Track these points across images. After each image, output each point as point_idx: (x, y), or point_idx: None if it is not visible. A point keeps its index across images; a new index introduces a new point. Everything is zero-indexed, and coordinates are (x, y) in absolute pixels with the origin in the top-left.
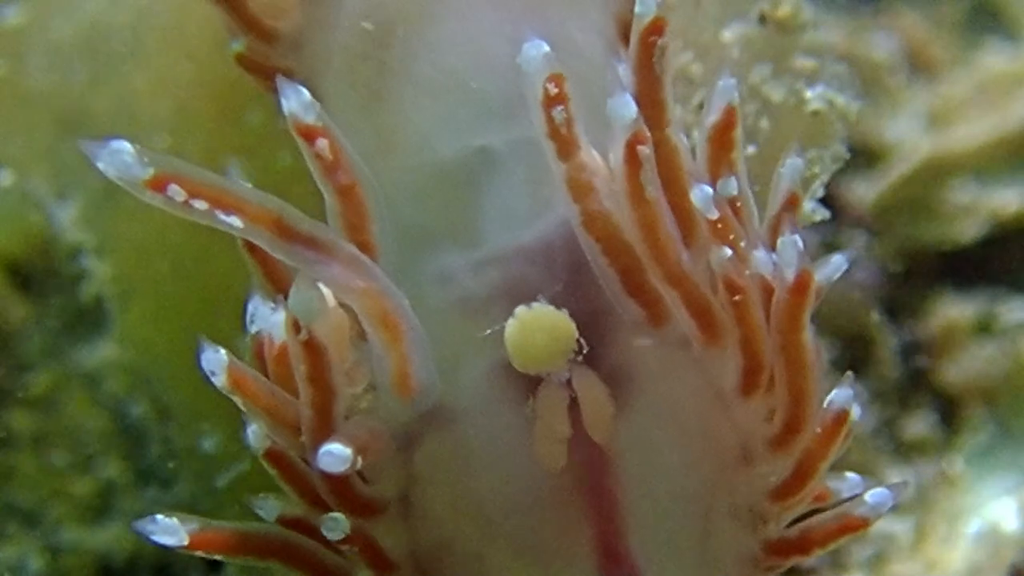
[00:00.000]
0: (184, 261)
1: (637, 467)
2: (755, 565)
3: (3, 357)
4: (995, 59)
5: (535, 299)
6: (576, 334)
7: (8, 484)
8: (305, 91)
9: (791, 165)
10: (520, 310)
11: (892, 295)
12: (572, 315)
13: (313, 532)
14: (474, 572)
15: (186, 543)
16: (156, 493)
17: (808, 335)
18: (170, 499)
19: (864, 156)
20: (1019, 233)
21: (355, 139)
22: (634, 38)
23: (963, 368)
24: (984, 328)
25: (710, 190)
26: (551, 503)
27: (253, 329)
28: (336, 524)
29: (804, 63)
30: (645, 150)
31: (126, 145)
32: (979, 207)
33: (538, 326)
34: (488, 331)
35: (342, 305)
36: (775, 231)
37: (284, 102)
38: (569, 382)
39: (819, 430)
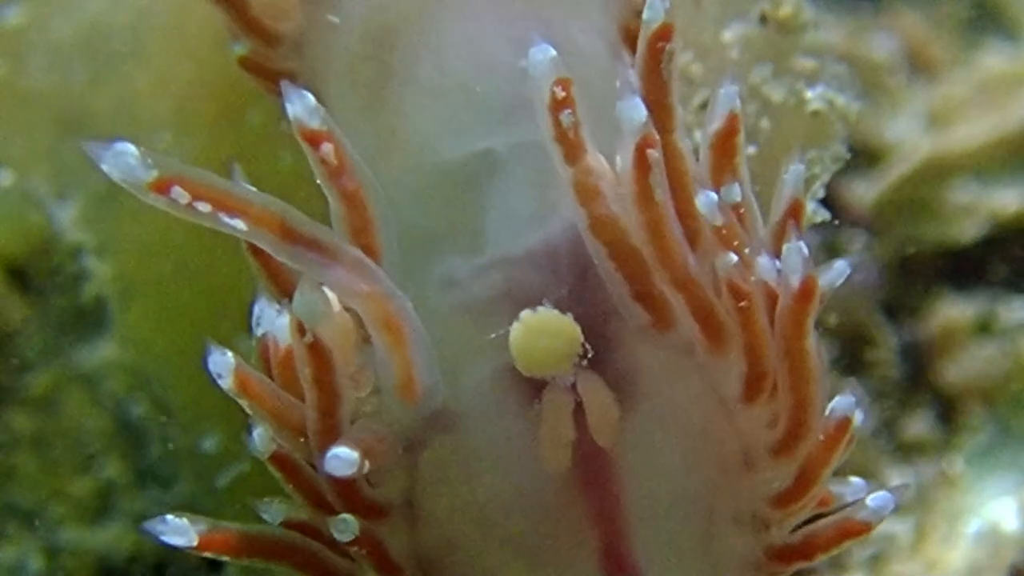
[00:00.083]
0: (185, 261)
1: (640, 471)
2: (758, 570)
3: (3, 357)
4: (995, 59)
5: (539, 303)
6: (581, 338)
7: (8, 484)
8: (310, 95)
9: (794, 171)
10: (525, 314)
11: (892, 295)
12: (577, 319)
13: (317, 536)
14: (477, 574)
15: (195, 544)
16: (156, 493)
17: (812, 341)
18: (170, 499)
19: (864, 156)
20: (1019, 233)
21: (357, 141)
22: (642, 43)
23: (963, 368)
24: (984, 328)
25: (715, 196)
26: (554, 506)
27: (259, 332)
28: (347, 526)
29: (804, 63)
30: (654, 154)
31: (130, 147)
32: (979, 207)
33: (543, 330)
34: (493, 335)
35: (347, 309)
36: (778, 237)
37: (289, 107)
38: (574, 386)
39: (822, 437)
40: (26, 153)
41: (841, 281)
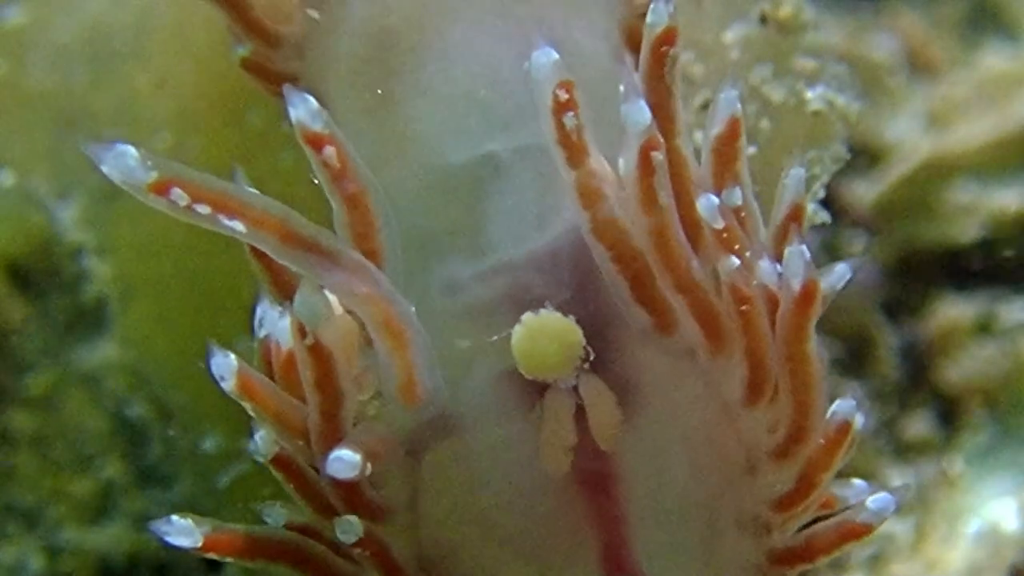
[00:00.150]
0: (185, 261)
1: (642, 475)
2: (760, 573)
3: (3, 357)
4: (995, 59)
5: (542, 306)
6: (583, 341)
7: (8, 484)
8: (312, 99)
9: (794, 175)
10: (527, 317)
11: (892, 295)
12: (579, 322)
13: (319, 539)
14: None
15: (200, 545)
16: (156, 493)
17: (813, 345)
18: (170, 499)
19: (864, 156)
20: (1019, 233)
21: (359, 143)
22: (645, 48)
23: (963, 368)
24: (984, 328)
25: (716, 200)
26: (556, 510)
27: (261, 334)
28: (351, 527)
29: (805, 64)
30: (658, 156)
31: (130, 148)
32: (979, 207)
33: (545, 333)
34: (494, 338)
35: (349, 312)
36: (779, 240)
37: (292, 110)
38: (575, 389)
39: (823, 440)
40: (27, 153)
41: (842, 285)
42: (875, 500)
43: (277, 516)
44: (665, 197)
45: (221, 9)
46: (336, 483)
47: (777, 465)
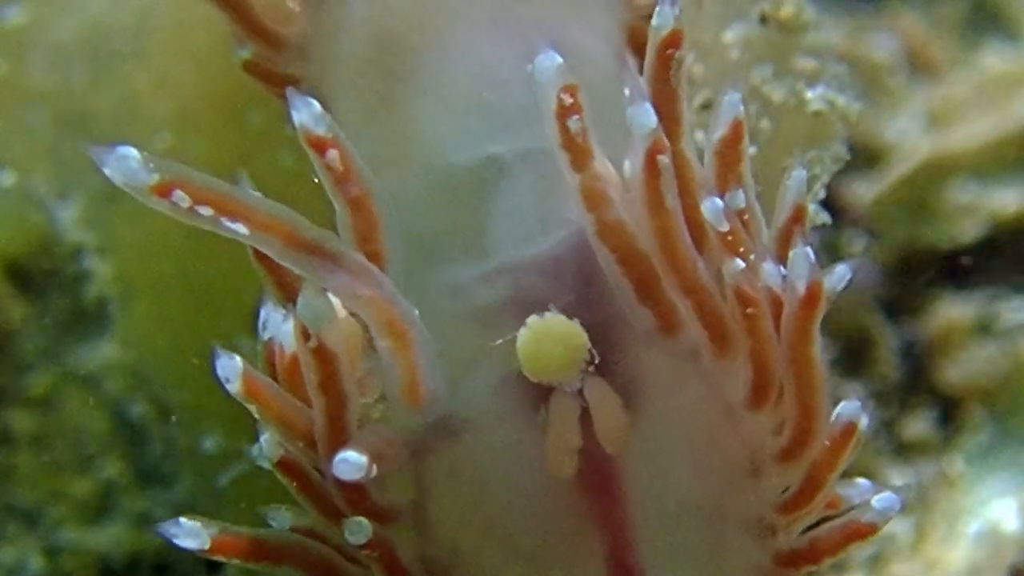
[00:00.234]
0: (186, 261)
1: (646, 478)
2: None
3: (3, 357)
4: (995, 59)
5: (545, 309)
6: (588, 344)
7: (8, 484)
8: (315, 103)
9: (796, 177)
10: (532, 320)
11: (892, 295)
12: (583, 325)
13: (324, 542)
14: None
15: (208, 547)
16: (156, 493)
17: (818, 347)
18: (170, 499)
19: (864, 156)
20: (1019, 233)
21: (362, 146)
22: (650, 50)
23: (963, 368)
24: (984, 328)
25: (720, 203)
26: (560, 513)
27: (265, 336)
28: (360, 528)
29: (805, 64)
30: (664, 159)
31: (132, 151)
32: (979, 207)
33: (550, 336)
34: (498, 341)
35: (353, 315)
36: (782, 243)
37: (295, 114)
38: (580, 392)
39: (828, 442)
40: (27, 153)
41: (842, 286)
42: (880, 500)
43: (282, 519)
44: (671, 200)
45: (222, 11)
46: (342, 485)
47: (782, 467)
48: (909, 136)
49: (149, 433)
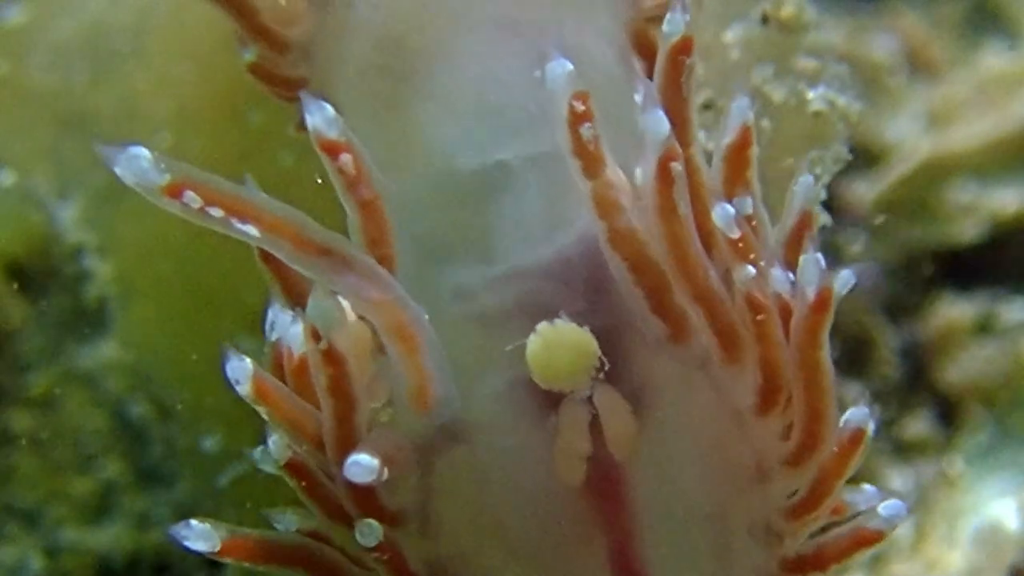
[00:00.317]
0: (186, 261)
1: (654, 484)
2: None
3: (3, 357)
4: (995, 59)
5: (554, 315)
6: (598, 351)
7: (8, 484)
8: (328, 106)
9: (804, 182)
10: (543, 326)
11: (892, 295)
12: (592, 332)
13: (329, 545)
14: None
15: (218, 549)
16: (156, 493)
17: (826, 353)
18: (170, 499)
19: (864, 156)
20: (1019, 233)
21: (367, 148)
22: (661, 57)
23: (963, 368)
24: (984, 328)
25: (731, 209)
26: (567, 518)
27: (272, 338)
28: (371, 530)
29: (805, 64)
30: (677, 167)
31: (143, 150)
32: (979, 207)
33: (561, 343)
34: (507, 347)
35: (361, 319)
36: (789, 248)
37: (308, 117)
38: (590, 399)
39: (836, 448)
40: (27, 153)
41: (847, 291)
42: (886, 507)
43: (288, 522)
44: (684, 207)
45: (227, 13)
46: (352, 487)
47: (789, 473)
48: (909, 136)
49: (149, 433)
